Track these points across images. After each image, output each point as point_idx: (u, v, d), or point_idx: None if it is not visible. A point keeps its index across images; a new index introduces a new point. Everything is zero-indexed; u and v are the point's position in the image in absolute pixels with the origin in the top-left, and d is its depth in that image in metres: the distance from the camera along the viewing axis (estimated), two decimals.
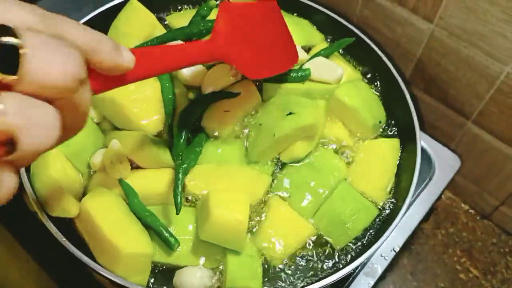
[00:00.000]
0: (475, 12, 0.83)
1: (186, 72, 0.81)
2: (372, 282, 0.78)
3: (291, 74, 0.80)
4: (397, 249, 0.81)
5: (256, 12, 0.70)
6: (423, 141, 0.92)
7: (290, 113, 0.73)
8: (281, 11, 0.78)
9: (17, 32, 0.31)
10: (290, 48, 0.74)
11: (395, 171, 0.79)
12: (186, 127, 0.75)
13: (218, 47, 0.59)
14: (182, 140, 0.75)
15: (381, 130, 0.84)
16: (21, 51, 0.30)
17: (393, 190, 0.78)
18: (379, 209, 0.76)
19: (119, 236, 0.65)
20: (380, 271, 0.79)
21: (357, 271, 0.79)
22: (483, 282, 1.02)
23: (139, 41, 0.86)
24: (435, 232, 1.08)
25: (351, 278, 0.79)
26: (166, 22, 0.95)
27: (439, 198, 0.89)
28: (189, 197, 0.73)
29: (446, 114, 1.01)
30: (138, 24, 0.87)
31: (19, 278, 0.82)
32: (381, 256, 0.80)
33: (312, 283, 0.63)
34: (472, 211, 1.11)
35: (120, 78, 0.42)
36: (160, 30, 0.88)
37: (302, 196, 0.75)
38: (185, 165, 0.71)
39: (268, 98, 0.80)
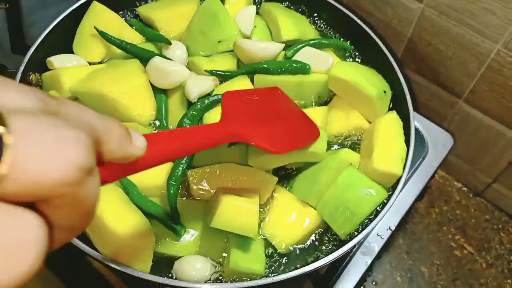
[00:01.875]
0: None
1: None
2: (369, 261, 0.79)
3: (288, 65, 0.80)
4: (393, 228, 0.82)
5: (258, 95, 0.73)
6: (416, 121, 0.92)
7: None
8: (279, 4, 0.78)
9: (3, 116, 0.23)
10: (308, 124, 0.75)
11: (403, 139, 0.77)
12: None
13: (229, 128, 0.61)
14: None
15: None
16: (4, 139, 0.23)
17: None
18: (388, 190, 0.74)
19: (120, 225, 0.65)
20: (376, 249, 0.80)
21: (354, 250, 0.80)
22: (478, 258, 1.03)
23: (105, 46, 0.85)
24: (429, 211, 1.10)
25: (348, 257, 0.79)
26: (136, 13, 0.94)
27: (433, 177, 0.90)
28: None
29: (438, 94, 1.01)
30: (102, 27, 0.86)
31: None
32: (377, 235, 0.81)
33: (307, 264, 0.64)
34: (465, 189, 1.12)
35: (131, 166, 0.37)
36: (128, 31, 0.88)
37: (307, 186, 0.74)
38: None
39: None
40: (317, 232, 0.73)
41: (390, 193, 0.72)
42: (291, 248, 0.71)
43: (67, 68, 0.80)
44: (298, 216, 0.72)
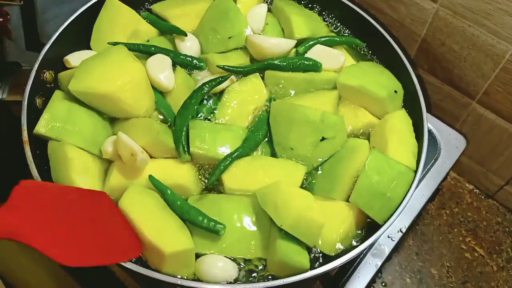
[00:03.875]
0: None
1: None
2: (379, 263, 0.78)
3: (300, 62, 0.80)
4: (404, 230, 0.81)
5: (75, 196, 0.65)
6: (428, 122, 0.92)
7: (324, 138, 0.73)
8: (291, 1, 0.77)
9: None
10: (125, 239, 0.66)
11: (414, 135, 0.77)
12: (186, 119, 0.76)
13: (6, 218, 0.52)
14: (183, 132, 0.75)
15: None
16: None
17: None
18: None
19: (160, 237, 0.65)
20: (387, 252, 0.80)
21: (364, 252, 0.80)
22: (489, 261, 1.02)
23: (126, 39, 0.86)
24: (440, 212, 1.09)
25: (358, 259, 0.79)
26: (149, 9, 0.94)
27: (445, 179, 0.89)
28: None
29: (451, 95, 1.00)
30: (119, 23, 0.86)
31: (45, 279, 0.83)
32: (388, 237, 0.81)
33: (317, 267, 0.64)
34: (476, 190, 1.11)
35: None
36: (144, 25, 0.88)
37: (328, 183, 0.73)
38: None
39: (269, 86, 0.80)
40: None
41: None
42: (337, 248, 0.69)
43: None
44: (332, 214, 0.70)
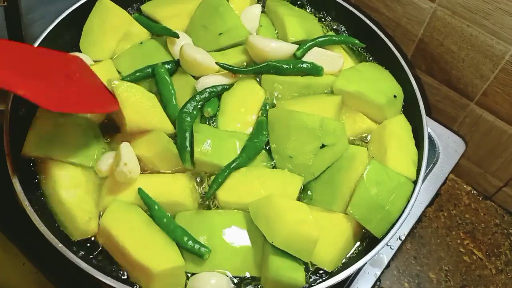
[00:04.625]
0: None
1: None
2: (378, 272, 0.77)
3: (300, 65, 0.77)
4: (403, 238, 0.79)
5: (49, 57, 0.70)
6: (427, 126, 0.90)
7: (324, 146, 0.70)
8: (284, 1, 0.74)
9: None
10: (101, 95, 0.71)
11: (414, 142, 0.75)
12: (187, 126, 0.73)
13: None
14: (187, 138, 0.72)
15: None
16: None
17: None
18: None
19: (147, 255, 0.61)
20: (386, 260, 0.78)
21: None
22: (487, 264, 1.01)
23: (115, 42, 0.82)
24: (438, 214, 1.07)
25: (357, 269, 0.77)
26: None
27: (444, 183, 0.87)
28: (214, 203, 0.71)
29: (449, 96, 0.98)
30: (111, 24, 0.83)
31: (17, 280, 0.80)
32: (387, 245, 0.79)
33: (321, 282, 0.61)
34: (474, 192, 1.10)
35: None
36: (136, 27, 0.85)
37: (328, 193, 0.70)
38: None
39: (266, 90, 0.77)
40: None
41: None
42: (336, 262, 0.66)
43: None
44: (331, 227, 0.67)
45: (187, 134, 0.71)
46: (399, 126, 0.74)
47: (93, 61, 0.82)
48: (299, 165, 0.70)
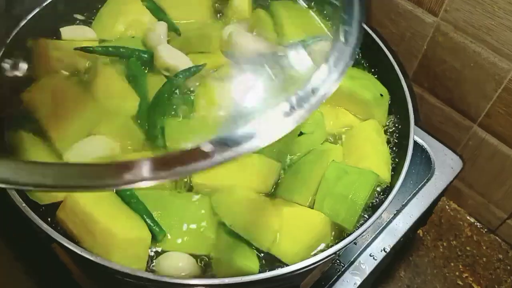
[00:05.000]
0: (481, 4, 0.78)
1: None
2: (358, 282, 0.72)
3: None
4: (388, 250, 0.75)
5: None
6: (423, 140, 0.87)
7: (301, 133, 0.70)
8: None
9: None
10: None
11: (387, 147, 0.74)
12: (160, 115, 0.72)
13: None
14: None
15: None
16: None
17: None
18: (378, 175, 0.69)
19: (114, 222, 0.60)
20: (368, 271, 0.73)
21: (342, 269, 0.73)
22: None
23: (125, 25, 0.84)
24: (436, 244, 1.01)
25: (335, 277, 0.73)
26: None
27: (437, 200, 0.83)
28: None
29: (451, 117, 0.95)
30: (124, 11, 0.84)
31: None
32: (370, 255, 0.74)
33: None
34: (478, 224, 1.04)
35: None
36: (148, 16, 0.86)
37: (295, 185, 0.68)
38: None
39: None
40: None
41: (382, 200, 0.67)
42: (299, 258, 0.62)
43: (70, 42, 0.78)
44: (301, 222, 0.65)
45: (157, 127, 0.69)
46: (373, 130, 0.73)
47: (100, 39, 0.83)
48: (274, 151, 0.69)
